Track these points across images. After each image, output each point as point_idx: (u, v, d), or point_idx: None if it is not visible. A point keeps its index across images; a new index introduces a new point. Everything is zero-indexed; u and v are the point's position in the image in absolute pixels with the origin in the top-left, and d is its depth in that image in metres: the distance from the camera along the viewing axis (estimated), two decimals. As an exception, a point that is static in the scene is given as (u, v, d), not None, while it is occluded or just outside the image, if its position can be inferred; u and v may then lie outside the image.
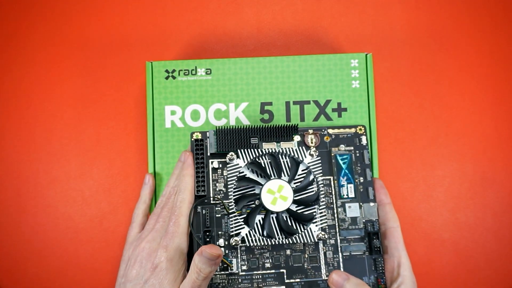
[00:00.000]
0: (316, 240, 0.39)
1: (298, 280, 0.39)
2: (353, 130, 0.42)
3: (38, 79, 0.48)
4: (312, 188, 0.40)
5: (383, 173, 0.46)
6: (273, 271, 0.39)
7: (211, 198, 0.40)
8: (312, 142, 0.42)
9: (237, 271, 0.39)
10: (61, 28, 0.49)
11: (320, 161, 0.41)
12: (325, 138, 0.42)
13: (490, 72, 0.48)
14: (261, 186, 0.39)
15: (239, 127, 0.41)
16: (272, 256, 0.40)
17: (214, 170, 0.41)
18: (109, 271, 0.46)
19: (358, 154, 0.42)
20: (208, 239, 0.39)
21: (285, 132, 0.41)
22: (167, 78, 0.45)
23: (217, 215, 0.40)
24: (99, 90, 0.48)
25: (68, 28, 0.49)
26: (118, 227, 0.47)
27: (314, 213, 0.39)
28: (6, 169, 0.48)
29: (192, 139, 0.41)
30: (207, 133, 0.41)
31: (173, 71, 0.45)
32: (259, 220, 0.39)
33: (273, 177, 0.40)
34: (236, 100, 0.45)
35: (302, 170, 0.40)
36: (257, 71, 0.45)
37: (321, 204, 0.40)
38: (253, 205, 0.40)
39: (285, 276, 0.39)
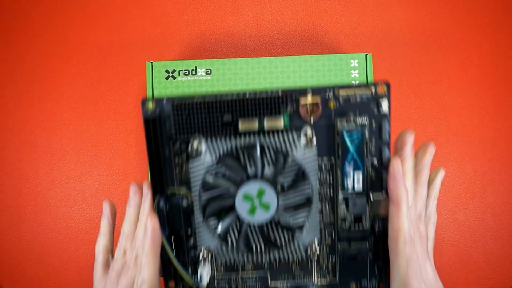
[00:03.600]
0: (305, 255, 0.32)
1: (283, 283, 0.33)
2: (370, 90, 0.30)
3: (38, 79, 0.48)
4: (304, 188, 0.30)
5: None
6: (254, 273, 0.33)
7: (174, 188, 0.31)
8: (310, 112, 0.30)
9: (212, 274, 0.33)
10: (61, 29, 0.49)
11: (315, 153, 0.30)
12: (329, 104, 0.30)
13: (490, 72, 0.48)
14: (235, 191, 0.30)
15: (206, 99, 0.29)
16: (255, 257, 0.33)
17: (178, 153, 0.31)
18: (109, 271, 0.46)
19: (374, 127, 0.30)
20: (175, 241, 0.32)
21: (271, 104, 0.29)
22: (167, 78, 0.45)
23: (183, 206, 0.31)
24: (99, 90, 0.48)
25: (69, 28, 0.49)
26: (118, 227, 0.47)
27: (305, 220, 0.31)
28: (6, 169, 0.48)
29: (144, 112, 0.30)
30: (163, 103, 0.30)
31: (173, 71, 0.45)
32: (234, 230, 0.31)
33: (251, 175, 0.30)
34: (236, 100, 0.44)
35: (292, 161, 0.30)
36: (257, 71, 0.45)
37: (313, 207, 0.31)
38: (226, 214, 0.31)
39: (268, 280, 0.33)
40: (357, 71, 0.45)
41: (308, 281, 0.33)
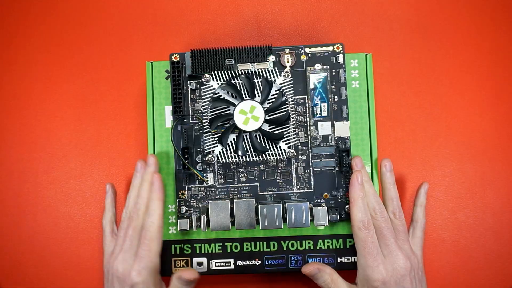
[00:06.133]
0: (285, 158, 0.42)
1: (270, 192, 0.43)
2: (330, 48, 0.43)
3: (38, 79, 0.48)
4: (284, 108, 0.41)
5: (383, 173, 0.46)
6: (247, 184, 0.43)
7: (190, 117, 0.43)
8: (288, 62, 0.43)
9: (214, 184, 0.43)
10: (61, 28, 0.49)
11: (292, 82, 0.42)
12: (301, 57, 0.43)
13: (490, 72, 0.48)
14: (234, 107, 0.40)
15: (215, 49, 0.42)
16: (247, 170, 0.43)
17: (192, 91, 0.43)
18: (109, 271, 0.46)
19: (334, 73, 0.43)
20: (186, 156, 0.42)
21: (260, 53, 0.42)
22: (167, 78, 0.45)
23: (195, 134, 0.43)
24: (99, 90, 0.48)
25: (68, 28, 0.49)
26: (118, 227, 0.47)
27: (285, 132, 0.41)
28: (6, 169, 0.48)
29: (171, 61, 0.43)
30: (185, 54, 0.43)
31: (173, 71, 0.45)
32: (233, 139, 0.41)
33: (246, 98, 0.41)
34: (236, 100, 0.45)
35: (275, 91, 0.41)
36: (257, 71, 0.45)
37: (291, 123, 0.41)
38: (227, 125, 0.41)
39: (258, 189, 0.43)
40: (357, 71, 0.45)
41: (289, 191, 0.43)
